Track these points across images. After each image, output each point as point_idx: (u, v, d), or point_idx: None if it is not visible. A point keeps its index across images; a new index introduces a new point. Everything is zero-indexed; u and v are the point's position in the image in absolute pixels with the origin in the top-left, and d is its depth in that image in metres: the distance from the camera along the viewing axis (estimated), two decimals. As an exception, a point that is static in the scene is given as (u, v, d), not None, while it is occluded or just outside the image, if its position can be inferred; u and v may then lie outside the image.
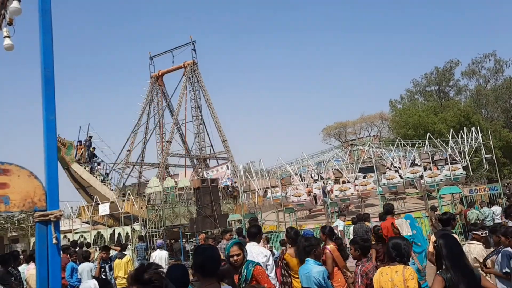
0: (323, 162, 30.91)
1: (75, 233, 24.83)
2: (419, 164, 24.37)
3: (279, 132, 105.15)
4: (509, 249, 5.31)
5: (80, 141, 28.66)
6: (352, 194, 22.46)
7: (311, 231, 6.68)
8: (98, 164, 28.89)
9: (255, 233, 5.88)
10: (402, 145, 29.30)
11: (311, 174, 27.70)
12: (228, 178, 35.63)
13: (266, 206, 28.30)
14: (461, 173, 22.14)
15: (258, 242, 5.90)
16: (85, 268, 9.43)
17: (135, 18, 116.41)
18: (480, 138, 25.03)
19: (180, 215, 25.16)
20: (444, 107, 44.93)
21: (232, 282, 3.83)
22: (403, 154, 28.15)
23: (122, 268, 10.09)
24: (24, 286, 8.35)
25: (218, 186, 26.35)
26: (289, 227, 7.38)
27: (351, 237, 8.66)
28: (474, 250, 6.30)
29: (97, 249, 16.79)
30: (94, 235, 23.55)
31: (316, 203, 24.56)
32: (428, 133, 29.32)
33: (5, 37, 4.62)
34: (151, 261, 11.16)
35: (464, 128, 27.83)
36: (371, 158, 25.73)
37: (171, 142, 42.77)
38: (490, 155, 25.23)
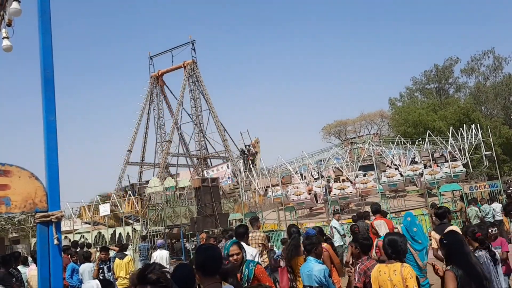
0: (324, 160, 30.93)
1: (76, 233, 24.85)
2: (419, 161, 24.37)
3: (279, 131, 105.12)
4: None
5: None
6: (351, 192, 22.46)
7: (314, 230, 6.69)
8: None
9: (243, 232, 6.01)
10: (402, 143, 29.32)
11: (311, 173, 27.72)
12: (229, 178, 35.67)
13: (267, 205, 28.32)
14: (461, 171, 22.15)
15: (246, 242, 6.01)
16: (86, 268, 9.43)
17: (134, 17, 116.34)
18: (480, 135, 25.05)
19: (181, 214, 25.19)
20: (443, 104, 44.93)
21: (236, 281, 3.84)
22: (403, 152, 28.16)
23: (123, 268, 10.08)
24: (26, 287, 8.35)
25: (219, 185, 26.38)
26: (290, 224, 7.40)
27: (349, 235, 8.74)
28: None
29: (98, 249, 16.81)
30: (95, 235, 23.57)
31: (317, 201, 24.57)
32: (428, 131, 29.32)
33: (3, 38, 4.62)
34: (152, 261, 11.16)
35: (464, 125, 27.84)
36: (371, 156, 25.75)
37: (171, 141, 42.81)
38: (490, 152, 25.25)
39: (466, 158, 23.19)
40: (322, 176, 25.14)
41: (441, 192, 18.90)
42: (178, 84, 46.03)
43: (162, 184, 29.67)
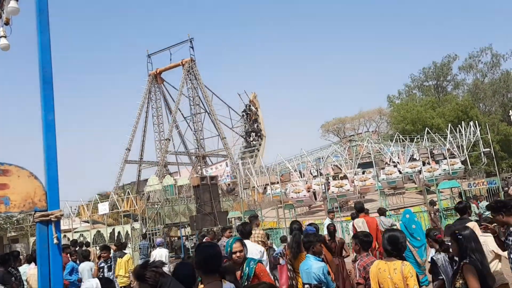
0: (322, 158, 30.95)
1: (75, 232, 24.84)
2: (417, 159, 24.42)
3: (278, 129, 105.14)
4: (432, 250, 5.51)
5: None
6: (348, 190, 22.49)
7: (313, 228, 6.68)
8: None
9: (248, 231, 5.99)
10: (401, 140, 29.35)
11: (310, 171, 27.74)
12: (228, 176, 35.69)
13: (266, 202, 28.34)
14: (459, 168, 22.19)
15: (250, 240, 6.02)
16: (85, 267, 9.43)
17: (131, 15, 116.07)
18: (478, 132, 25.09)
19: (180, 213, 25.19)
20: (442, 101, 44.99)
21: (234, 278, 3.83)
22: (401, 149, 28.18)
23: (123, 266, 10.10)
24: (25, 286, 8.35)
25: (218, 183, 26.38)
26: (293, 221, 7.39)
27: (349, 233, 8.83)
28: (491, 243, 5.84)
29: (97, 248, 16.81)
30: (94, 234, 23.56)
31: (316, 199, 24.61)
32: (427, 128, 29.35)
33: (1, 37, 4.61)
34: (151, 259, 11.17)
35: (462, 122, 27.88)
36: (370, 154, 25.77)
37: (169, 140, 42.77)
38: (488, 149, 25.31)
39: (465, 155, 23.24)
40: (321, 174, 25.17)
41: (439, 189, 18.93)
42: (176, 82, 45.96)
43: (161, 182, 29.68)
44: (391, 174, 23.32)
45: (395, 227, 8.82)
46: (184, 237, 23.58)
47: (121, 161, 41.86)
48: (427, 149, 24.12)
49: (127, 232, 22.43)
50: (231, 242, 4.52)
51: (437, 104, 43.69)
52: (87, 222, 26.67)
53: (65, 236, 23.94)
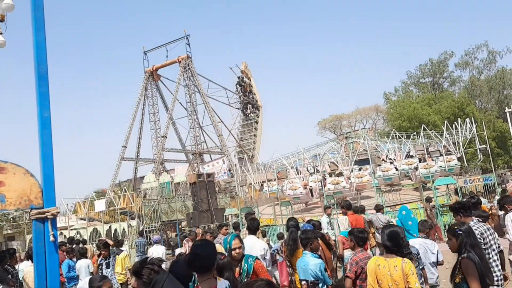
0: (319, 155, 30.97)
1: (71, 229, 24.78)
2: (414, 155, 24.48)
3: (274, 126, 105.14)
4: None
5: None
6: (344, 187, 22.53)
7: (311, 224, 6.70)
8: None
9: (255, 227, 5.99)
10: (397, 137, 29.42)
11: (307, 168, 27.75)
12: (224, 173, 35.70)
13: (263, 199, 28.36)
14: (455, 164, 22.26)
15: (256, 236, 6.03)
16: (82, 265, 9.40)
17: (128, 12, 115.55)
18: (474, 129, 25.19)
19: (177, 210, 25.18)
20: (438, 98, 45.10)
21: (232, 275, 3.84)
22: (398, 146, 28.25)
23: (120, 264, 10.11)
24: (21, 284, 8.33)
25: (214, 180, 26.38)
26: (290, 217, 7.41)
27: (341, 229, 8.91)
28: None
29: (93, 245, 16.77)
30: (91, 231, 23.51)
31: (312, 196, 24.63)
32: (423, 125, 29.43)
33: (-4, 33, 4.58)
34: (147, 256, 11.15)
35: (459, 119, 27.98)
36: (367, 151, 25.82)
37: (166, 137, 42.67)
38: (484, 146, 25.42)
39: (461, 152, 23.33)
40: (317, 171, 25.19)
41: (435, 186, 18.98)
42: (173, 79, 45.83)
43: (158, 179, 29.65)
44: (387, 171, 23.36)
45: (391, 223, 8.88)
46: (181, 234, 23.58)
47: (117, 158, 41.76)
48: (423, 146, 24.19)
49: (123, 229, 22.40)
50: (230, 239, 4.54)
51: (434, 101, 43.79)
52: (84, 219, 26.61)
53: (61, 233, 23.88)
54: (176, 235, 25.07)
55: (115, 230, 22.83)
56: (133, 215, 24.12)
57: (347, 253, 7.19)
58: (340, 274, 8.92)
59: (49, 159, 2.77)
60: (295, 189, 23.67)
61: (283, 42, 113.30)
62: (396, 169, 23.38)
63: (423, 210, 16.38)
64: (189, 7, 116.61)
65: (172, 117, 44.73)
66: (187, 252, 10.65)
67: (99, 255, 9.57)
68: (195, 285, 3.19)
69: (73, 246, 12.17)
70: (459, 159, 22.89)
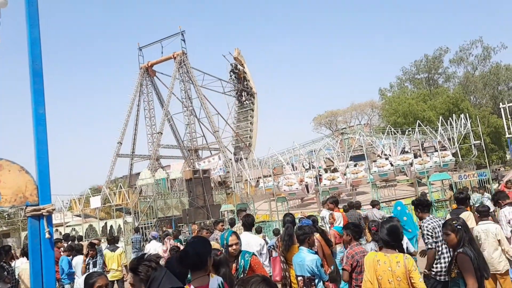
0: (315, 151, 31.02)
1: (67, 226, 24.70)
2: (409, 151, 24.58)
3: (270, 122, 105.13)
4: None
5: None
6: (340, 183, 22.60)
7: (310, 220, 6.71)
8: None
9: (250, 223, 6.01)
10: (392, 133, 29.50)
11: (302, 164, 27.80)
12: (220, 169, 35.65)
13: (259, 195, 28.41)
14: (450, 160, 22.38)
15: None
16: (78, 261, 9.40)
17: (122, 8, 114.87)
18: (469, 124, 25.30)
19: (173, 206, 25.16)
20: (433, 94, 45.24)
21: (228, 270, 3.86)
22: (393, 141, 28.33)
23: (115, 260, 10.07)
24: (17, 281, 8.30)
25: (210, 176, 26.35)
26: (286, 213, 7.42)
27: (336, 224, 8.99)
28: (498, 230, 5.95)
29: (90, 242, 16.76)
30: (86, 228, 23.45)
31: (308, 192, 24.69)
32: (418, 121, 29.52)
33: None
34: (144, 252, 11.14)
35: (453, 115, 28.08)
36: (362, 146, 25.87)
37: (161, 133, 42.58)
38: (478, 142, 25.54)
39: (455, 147, 23.42)
40: (313, 167, 25.24)
41: (430, 181, 19.09)
42: (168, 75, 45.66)
43: (153, 176, 29.61)
44: (382, 166, 23.45)
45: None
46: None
47: (113, 154, 41.64)
48: (418, 142, 24.27)
49: (119, 226, 22.35)
50: (227, 235, 4.56)
51: (429, 97, 43.93)
52: (79, 216, 26.54)
53: (57, 230, 23.81)
54: (173, 232, 25.04)
55: (111, 226, 22.79)
56: (129, 211, 24.11)
57: (338, 249, 7.25)
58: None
59: (44, 156, 2.76)
60: (290, 185, 23.73)
61: (279, 38, 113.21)
62: (391, 165, 23.47)
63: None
64: (184, 0, 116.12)
65: (168, 113, 44.62)
66: (168, 250, 10.69)
67: (86, 255, 9.55)
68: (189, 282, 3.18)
69: (69, 242, 12.13)
70: (454, 154, 23.00)
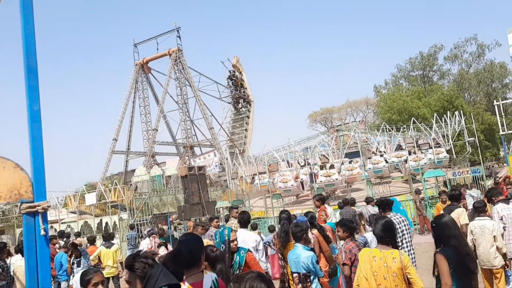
0: (310, 148, 31.08)
1: (62, 223, 24.63)
2: (403, 148, 24.71)
3: (265, 119, 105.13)
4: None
5: None
6: (336, 179, 22.69)
7: (305, 217, 6.73)
8: None
9: (246, 220, 6.05)
10: (387, 130, 29.63)
11: (298, 160, 27.87)
12: (216, 166, 35.67)
13: (254, 192, 28.45)
14: (444, 157, 22.52)
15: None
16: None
17: (117, 3, 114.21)
18: (463, 121, 25.45)
19: (168, 203, 25.13)
20: (428, 91, 45.40)
21: (224, 266, 3.87)
22: (388, 138, 28.46)
23: (111, 257, 10.09)
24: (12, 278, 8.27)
25: (206, 173, 26.33)
26: (282, 210, 7.45)
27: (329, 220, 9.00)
28: (494, 226, 5.95)
29: (85, 238, 16.72)
30: (81, 224, 23.40)
31: (303, 188, 24.77)
32: (413, 118, 29.65)
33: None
34: (140, 249, 11.14)
35: (448, 112, 28.21)
36: (357, 143, 25.98)
37: (157, 130, 42.49)
38: (473, 139, 25.73)
39: (450, 144, 23.57)
40: (308, 164, 25.31)
41: (425, 178, 19.19)
42: (163, 72, 45.50)
43: (149, 172, 29.53)
44: (377, 163, 23.57)
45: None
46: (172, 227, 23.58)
47: (108, 151, 41.52)
48: (413, 139, 24.39)
49: (114, 222, 22.32)
50: (227, 232, 4.60)
51: (423, 94, 44.09)
52: (74, 213, 26.46)
53: (52, 227, 23.74)
54: (168, 228, 25.05)
55: (106, 223, 22.75)
56: (124, 208, 24.05)
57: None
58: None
59: (39, 152, 2.75)
60: (286, 182, 23.80)
61: (274, 35, 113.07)
62: (386, 162, 23.59)
63: (413, 202, 16.57)
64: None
65: (163, 110, 44.52)
66: (153, 248, 10.71)
67: (70, 255, 9.54)
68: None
69: (64, 239, 12.12)
70: (448, 151, 23.16)
